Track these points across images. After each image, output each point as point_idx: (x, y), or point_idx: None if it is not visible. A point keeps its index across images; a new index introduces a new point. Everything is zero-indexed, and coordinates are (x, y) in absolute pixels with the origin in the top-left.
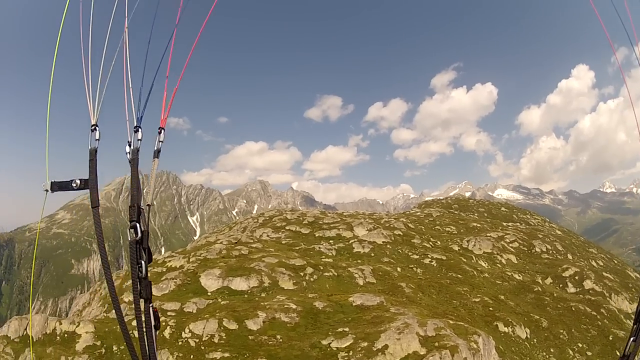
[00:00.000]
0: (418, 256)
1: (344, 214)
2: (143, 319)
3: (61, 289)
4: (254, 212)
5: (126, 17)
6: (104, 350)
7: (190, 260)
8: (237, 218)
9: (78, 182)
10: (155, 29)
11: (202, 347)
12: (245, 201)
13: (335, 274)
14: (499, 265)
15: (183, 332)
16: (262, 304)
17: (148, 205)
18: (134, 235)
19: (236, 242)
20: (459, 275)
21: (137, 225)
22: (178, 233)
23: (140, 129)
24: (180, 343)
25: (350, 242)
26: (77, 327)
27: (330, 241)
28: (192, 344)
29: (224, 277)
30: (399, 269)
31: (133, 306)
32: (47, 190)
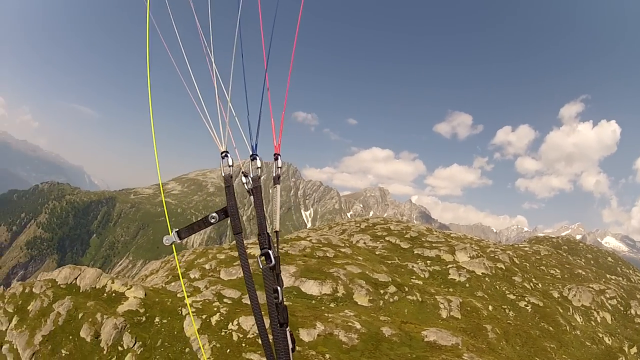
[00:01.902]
0: (514, 297)
1: (450, 235)
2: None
3: (155, 253)
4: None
5: (233, 54)
6: (144, 319)
7: None
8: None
9: (215, 215)
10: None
11: (243, 345)
12: (361, 205)
13: (419, 299)
14: (593, 323)
15: (230, 324)
16: (325, 314)
17: (276, 231)
18: (266, 262)
19: (326, 243)
20: (551, 328)
21: (269, 252)
22: (288, 224)
23: (257, 157)
24: (223, 333)
25: (447, 266)
26: (127, 289)
27: (428, 261)
28: (235, 338)
29: (297, 277)
30: (490, 308)
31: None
32: (173, 242)
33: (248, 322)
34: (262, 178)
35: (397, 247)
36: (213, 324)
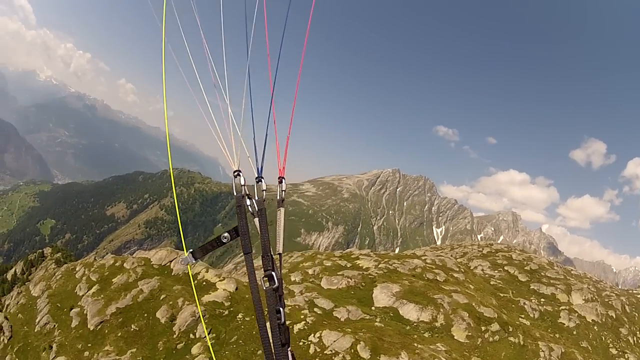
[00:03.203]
0: (616, 351)
1: (571, 271)
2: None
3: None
4: (499, 242)
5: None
6: (227, 312)
7: (379, 266)
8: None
9: (227, 235)
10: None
11: (316, 359)
12: (493, 229)
13: (521, 342)
14: None
15: (312, 335)
16: (414, 344)
17: (279, 253)
18: (269, 283)
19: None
20: None
21: (272, 273)
22: (418, 239)
23: (262, 180)
24: (301, 343)
25: (559, 308)
26: (219, 280)
27: (541, 299)
28: (312, 350)
29: (398, 298)
30: None
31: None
32: (189, 263)
33: (330, 337)
34: (266, 201)
35: (515, 278)
36: (294, 332)
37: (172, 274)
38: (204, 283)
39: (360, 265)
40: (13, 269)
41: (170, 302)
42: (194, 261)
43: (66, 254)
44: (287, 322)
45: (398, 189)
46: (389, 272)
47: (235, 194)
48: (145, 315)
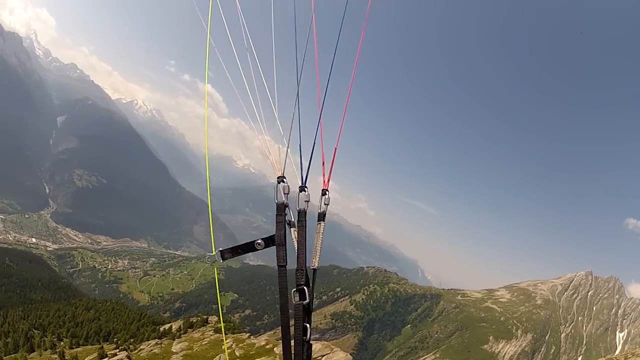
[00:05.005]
0: None
1: None
2: None
3: (464, 356)
4: None
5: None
6: None
7: None
8: None
9: (262, 242)
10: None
11: None
12: None
13: None
14: None
15: None
16: None
17: (314, 269)
18: (299, 298)
19: None
20: None
21: (305, 289)
22: (601, 346)
23: (306, 189)
24: None
25: None
26: None
27: None
28: None
29: None
30: None
31: None
32: (214, 262)
33: None
34: (306, 214)
35: None
36: None
37: None
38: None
39: None
40: (170, 324)
41: None
42: (221, 260)
43: (229, 326)
44: None
45: (589, 293)
46: None
47: (276, 201)
48: None
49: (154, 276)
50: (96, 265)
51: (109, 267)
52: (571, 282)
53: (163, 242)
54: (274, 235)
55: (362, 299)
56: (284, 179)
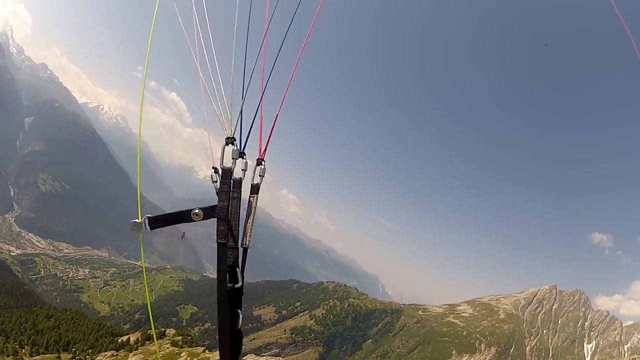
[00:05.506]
0: None
1: None
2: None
3: None
4: None
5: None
6: None
7: None
8: (627, 355)
9: (200, 212)
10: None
11: None
12: (639, 337)
13: None
14: None
15: None
16: None
17: (244, 247)
18: (235, 281)
19: None
20: None
21: (238, 270)
22: (568, 358)
23: (244, 156)
24: None
25: None
26: None
27: None
28: None
29: None
30: None
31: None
32: (140, 229)
33: None
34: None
35: None
36: None
37: None
38: None
39: None
40: (128, 336)
41: None
42: (147, 229)
43: (187, 339)
44: None
45: (554, 307)
46: None
47: (222, 165)
48: None
49: (115, 286)
50: (58, 273)
51: (70, 275)
52: (535, 296)
53: (124, 252)
54: (215, 205)
55: (322, 313)
56: (234, 141)
